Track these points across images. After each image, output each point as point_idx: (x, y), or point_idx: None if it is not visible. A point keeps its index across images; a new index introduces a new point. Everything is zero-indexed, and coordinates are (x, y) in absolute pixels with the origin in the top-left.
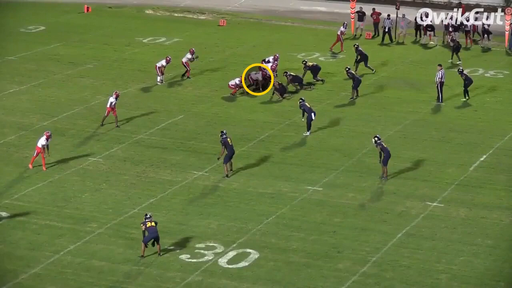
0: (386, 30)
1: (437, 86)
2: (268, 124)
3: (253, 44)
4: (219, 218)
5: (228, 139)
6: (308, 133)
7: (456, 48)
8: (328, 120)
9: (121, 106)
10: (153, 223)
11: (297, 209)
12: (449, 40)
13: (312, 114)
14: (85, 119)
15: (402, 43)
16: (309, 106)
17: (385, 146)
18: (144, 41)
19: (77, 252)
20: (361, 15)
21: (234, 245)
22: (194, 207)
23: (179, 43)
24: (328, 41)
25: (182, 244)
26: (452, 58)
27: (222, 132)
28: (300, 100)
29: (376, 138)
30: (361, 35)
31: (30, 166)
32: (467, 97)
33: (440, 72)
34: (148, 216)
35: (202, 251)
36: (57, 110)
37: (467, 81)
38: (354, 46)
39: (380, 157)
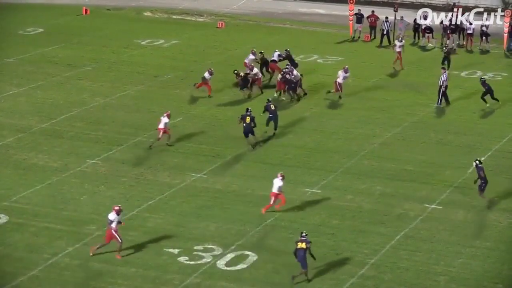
0: (385, 32)
1: (441, 89)
2: (265, 128)
3: (251, 46)
4: (218, 220)
5: (272, 105)
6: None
7: (446, 57)
8: (326, 122)
9: (120, 108)
10: (303, 245)
11: (296, 211)
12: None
13: (272, 116)
14: (83, 121)
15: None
16: (273, 108)
17: (484, 173)
18: (142, 43)
19: (75, 254)
20: (359, 17)
21: (233, 247)
22: (192, 209)
23: (178, 45)
24: (327, 43)
25: (181, 246)
26: (446, 66)
27: (268, 99)
28: (267, 101)
29: (477, 162)
30: (359, 37)
31: (263, 210)
32: (487, 103)
33: (444, 75)
34: (304, 235)
35: (200, 253)
36: (55, 112)
37: (487, 89)
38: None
39: (480, 182)
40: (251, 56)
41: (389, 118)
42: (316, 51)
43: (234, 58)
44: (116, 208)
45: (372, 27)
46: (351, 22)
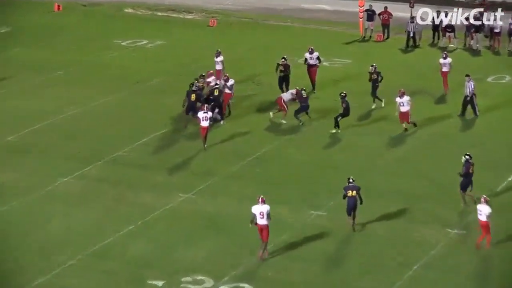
0: (411, 34)
1: (469, 99)
2: (265, 139)
3: (247, 48)
4: (208, 247)
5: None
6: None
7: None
8: (334, 134)
9: (97, 119)
10: (354, 193)
11: (298, 236)
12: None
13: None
14: (55, 134)
15: (417, 46)
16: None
17: (470, 171)
18: (123, 44)
19: (46, 286)
20: (370, 14)
21: (226, 278)
22: (179, 235)
23: (163, 47)
24: (333, 44)
25: (166, 277)
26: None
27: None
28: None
29: (468, 157)
30: (370, 36)
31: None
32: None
33: (470, 83)
34: (351, 180)
35: (189, 285)
36: (23, 123)
37: (345, 111)
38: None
39: (464, 180)
40: (219, 58)
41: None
42: (322, 52)
43: (228, 61)
44: (263, 198)
45: (385, 25)
46: (361, 19)
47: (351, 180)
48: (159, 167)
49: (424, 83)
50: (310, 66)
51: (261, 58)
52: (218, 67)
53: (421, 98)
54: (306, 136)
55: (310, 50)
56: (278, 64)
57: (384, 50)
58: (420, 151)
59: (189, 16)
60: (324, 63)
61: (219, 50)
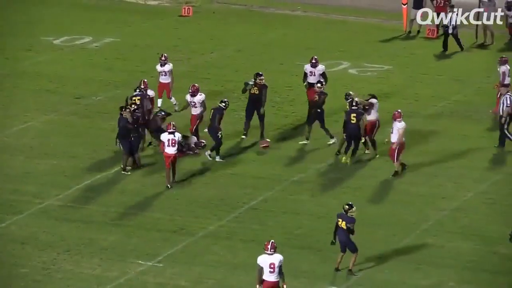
0: (450, 31)
1: (502, 121)
2: (265, 181)
3: (237, 48)
4: None
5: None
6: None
7: None
8: (366, 175)
9: (17, 151)
10: (343, 224)
11: None
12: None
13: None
14: None
15: (487, 46)
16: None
17: None
18: (55, 42)
19: None
20: (418, 0)
21: None
22: None
23: (114, 46)
24: (364, 42)
25: None
26: None
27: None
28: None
29: None
30: (418, 31)
31: None
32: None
33: (507, 97)
34: (347, 207)
35: None
36: None
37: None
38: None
39: None
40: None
41: (469, 167)
42: (347, 55)
43: (209, 67)
44: (273, 243)
45: (440, 14)
46: (405, 6)
47: (346, 207)
48: (108, 222)
49: (488, 98)
50: (311, 86)
51: (256, 63)
52: (165, 79)
53: (491, 121)
54: (328, 177)
55: (313, 61)
56: (248, 85)
57: (439, 51)
58: (490, 199)
59: (153, 2)
60: (351, 71)
61: (166, 55)
